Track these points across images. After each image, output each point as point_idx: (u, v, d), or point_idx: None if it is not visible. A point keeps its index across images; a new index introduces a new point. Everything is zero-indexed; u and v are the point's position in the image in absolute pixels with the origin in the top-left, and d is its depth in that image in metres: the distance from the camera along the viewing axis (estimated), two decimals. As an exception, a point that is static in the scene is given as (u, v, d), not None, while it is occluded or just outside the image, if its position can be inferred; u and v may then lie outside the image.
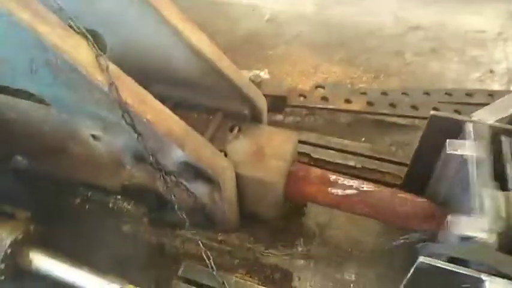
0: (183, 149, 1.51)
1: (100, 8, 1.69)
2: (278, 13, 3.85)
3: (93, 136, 1.77)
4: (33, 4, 1.30)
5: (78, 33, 1.38)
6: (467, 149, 1.53)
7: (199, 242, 1.63)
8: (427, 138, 1.78)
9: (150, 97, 1.50)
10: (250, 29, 3.64)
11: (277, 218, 2.00)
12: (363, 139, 2.50)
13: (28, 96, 1.84)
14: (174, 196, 1.73)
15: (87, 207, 2.18)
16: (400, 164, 2.23)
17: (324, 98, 2.51)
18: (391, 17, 3.76)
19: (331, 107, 2.48)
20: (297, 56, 3.33)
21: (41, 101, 1.82)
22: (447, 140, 1.59)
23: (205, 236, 1.97)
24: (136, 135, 1.50)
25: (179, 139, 1.51)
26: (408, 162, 2.15)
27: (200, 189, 1.76)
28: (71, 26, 1.38)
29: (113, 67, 1.41)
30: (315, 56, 3.31)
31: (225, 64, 1.79)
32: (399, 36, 3.55)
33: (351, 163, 2.25)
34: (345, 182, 1.75)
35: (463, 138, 1.61)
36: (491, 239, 1.24)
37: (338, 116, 2.65)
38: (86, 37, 1.38)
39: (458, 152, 1.54)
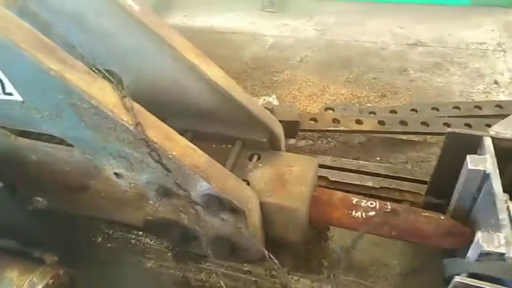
0: (208, 182, 1.53)
1: (116, 47, 1.74)
2: (280, 39, 3.95)
3: (116, 174, 1.79)
4: (60, 52, 1.35)
5: (102, 76, 1.42)
6: (489, 164, 1.54)
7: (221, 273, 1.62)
8: (446, 155, 1.79)
9: (174, 133, 1.52)
10: (254, 56, 3.71)
11: (301, 244, 1.99)
12: (378, 158, 2.51)
13: (49, 138, 1.89)
14: (200, 227, 1.75)
15: (109, 245, 2.17)
16: (418, 181, 2.23)
17: (335, 120, 2.53)
18: (391, 35, 3.85)
19: (343, 128, 2.50)
20: (303, 79, 3.39)
21: (61, 142, 1.86)
22: (467, 156, 1.60)
23: (231, 267, 1.96)
24: (165, 171, 1.52)
25: (204, 172, 1.52)
26: (426, 179, 2.16)
27: (226, 220, 1.76)
28: (92, 69, 1.42)
29: (137, 106, 1.44)
30: (320, 78, 3.37)
31: (240, 94, 1.83)
32: (401, 54, 3.62)
33: (369, 184, 2.25)
34: (368, 204, 1.75)
35: (482, 153, 1.62)
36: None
37: (350, 137, 2.67)
38: (109, 80, 1.41)
39: (480, 168, 1.55)
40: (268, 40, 3.93)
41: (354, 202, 1.76)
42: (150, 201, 1.89)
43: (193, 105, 1.87)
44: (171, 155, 1.47)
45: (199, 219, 1.76)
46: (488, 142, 1.62)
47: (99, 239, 2.21)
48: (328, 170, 2.32)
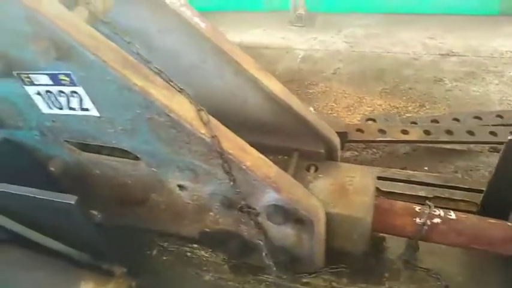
0: (278, 192, 1.55)
1: (180, 62, 1.79)
2: (311, 52, 4.00)
3: (180, 186, 1.82)
4: (142, 69, 1.40)
5: (178, 91, 1.47)
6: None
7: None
8: (505, 163, 1.79)
9: (246, 145, 1.56)
10: (287, 70, 3.77)
11: (359, 255, 1.99)
12: (426, 168, 2.51)
13: (110, 152, 1.94)
14: (262, 239, 1.76)
15: (164, 258, 2.19)
16: (471, 190, 2.22)
17: (381, 131, 2.55)
18: (422, 46, 3.87)
19: (390, 138, 2.51)
20: (338, 91, 3.42)
21: (124, 155, 1.91)
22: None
23: (290, 279, 1.96)
24: (231, 182, 1.55)
25: (275, 182, 1.54)
26: (479, 188, 2.15)
27: (288, 231, 1.77)
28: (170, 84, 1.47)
29: (212, 120, 1.48)
30: (355, 90, 3.40)
31: (298, 105, 1.86)
32: (434, 64, 3.63)
33: (422, 193, 2.24)
34: (432, 212, 1.75)
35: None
36: None
37: (395, 147, 2.68)
38: (186, 94, 1.46)
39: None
40: (299, 53, 3.99)
41: (417, 210, 1.76)
42: (211, 213, 1.92)
43: (252, 117, 1.91)
44: (244, 165, 1.49)
45: (261, 230, 1.77)
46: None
47: (154, 252, 2.23)
48: (379, 180, 2.32)
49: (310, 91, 3.47)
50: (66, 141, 1.87)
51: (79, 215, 1.70)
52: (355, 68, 3.69)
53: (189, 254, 2.19)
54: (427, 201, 1.79)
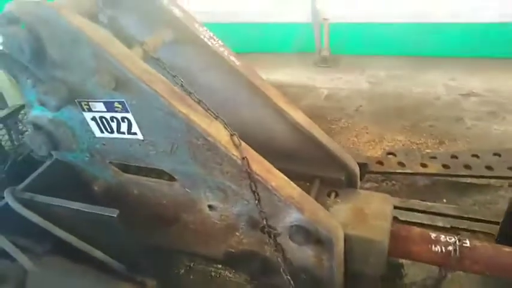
0: (302, 212, 1.69)
1: (218, 95, 2.02)
2: (335, 91, 4.22)
3: (210, 206, 1.99)
4: (186, 98, 1.63)
5: (215, 118, 1.68)
6: None
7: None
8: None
9: (272, 167, 1.73)
10: (311, 106, 3.98)
11: (378, 280, 2.06)
12: (444, 200, 2.58)
13: (147, 173, 2.14)
14: (283, 259, 1.87)
15: (191, 277, 2.32)
16: (489, 222, 2.28)
17: (401, 164, 2.67)
18: (443, 87, 4.02)
19: (409, 171, 2.62)
20: (360, 127, 3.58)
21: (160, 176, 2.11)
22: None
23: (310, 301, 2.05)
24: (257, 202, 1.70)
25: (299, 202, 1.69)
26: (497, 220, 2.21)
27: (308, 252, 1.89)
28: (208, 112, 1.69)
29: (243, 144, 1.67)
30: (377, 126, 3.55)
31: (321, 135, 2.04)
32: (455, 104, 3.76)
33: (440, 224, 2.32)
34: (447, 239, 1.83)
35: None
36: None
37: (414, 179, 2.78)
38: (222, 121, 1.67)
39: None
40: (323, 92, 4.22)
41: (433, 237, 1.85)
42: (237, 233, 2.06)
43: (278, 145, 2.09)
44: (270, 186, 1.66)
45: (283, 251, 1.89)
46: None
47: (182, 271, 2.37)
48: (398, 210, 2.42)
49: (333, 126, 3.64)
50: (110, 162, 2.10)
51: (119, 227, 1.90)
52: (377, 106, 3.86)
53: (213, 273, 2.33)
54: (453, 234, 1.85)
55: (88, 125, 1.90)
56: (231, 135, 1.67)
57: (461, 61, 4.36)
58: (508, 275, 1.76)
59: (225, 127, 1.68)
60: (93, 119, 1.85)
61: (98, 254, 1.89)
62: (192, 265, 2.39)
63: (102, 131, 1.90)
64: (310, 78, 4.52)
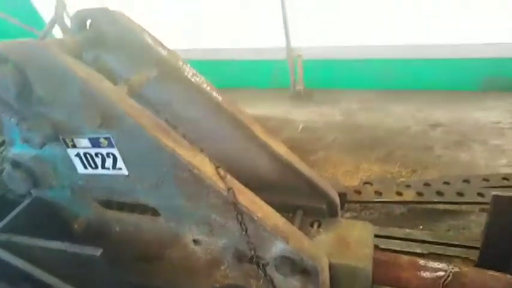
0: (287, 241, 1.72)
1: (201, 129, 2.07)
2: (310, 123, 4.36)
3: (195, 241, 1.99)
4: (171, 132, 1.67)
5: (200, 151, 1.73)
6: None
7: None
8: (494, 217, 1.97)
9: (257, 198, 1.77)
10: (288, 138, 4.08)
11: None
12: (421, 227, 2.68)
13: (131, 209, 2.13)
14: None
15: (175, 314, 2.26)
16: (465, 247, 2.37)
17: (377, 192, 2.76)
18: (412, 118, 4.24)
19: (386, 199, 2.71)
20: (337, 158, 3.69)
21: (143, 212, 2.10)
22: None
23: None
24: (244, 232, 1.73)
25: (284, 232, 1.72)
26: (472, 245, 2.31)
27: (294, 283, 1.90)
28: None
29: (228, 175, 1.71)
30: (353, 157, 3.67)
31: (302, 166, 2.11)
32: (424, 134, 3.96)
33: (418, 250, 2.40)
34: (435, 265, 1.88)
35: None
36: None
37: (391, 208, 2.87)
38: (206, 154, 1.72)
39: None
40: (299, 125, 4.35)
41: (421, 263, 1.90)
42: (222, 267, 2.05)
43: (260, 177, 2.14)
44: (256, 216, 1.69)
45: (272, 281, 1.89)
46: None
47: (165, 310, 2.30)
48: (377, 238, 2.48)
49: (311, 158, 3.74)
50: (93, 199, 2.08)
51: (103, 266, 1.86)
52: (351, 137, 4.01)
53: (199, 310, 2.26)
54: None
55: (71, 161, 1.89)
56: (216, 167, 1.71)
57: (426, 94, 4.63)
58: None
59: (209, 160, 1.72)
60: (77, 155, 1.85)
61: (79, 293, 1.83)
62: (175, 303, 2.32)
63: (85, 167, 1.89)
64: (286, 111, 4.67)
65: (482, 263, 2.09)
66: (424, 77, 4.69)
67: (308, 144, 3.94)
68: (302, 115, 4.54)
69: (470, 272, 1.83)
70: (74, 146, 1.81)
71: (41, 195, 2.15)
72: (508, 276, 1.82)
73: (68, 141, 1.81)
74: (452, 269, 1.81)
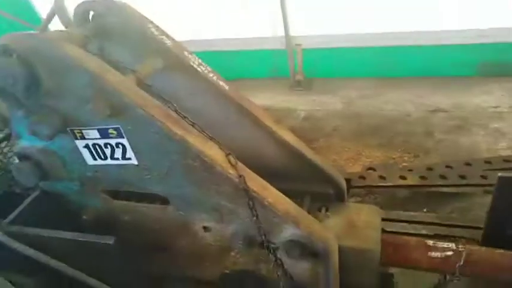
0: (297, 226, 1.74)
1: (209, 118, 2.07)
2: (311, 112, 4.38)
3: (205, 228, 2.01)
4: (181, 121, 1.69)
5: (209, 138, 1.74)
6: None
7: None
8: (499, 198, 2.00)
9: (268, 184, 1.79)
10: (290, 127, 4.05)
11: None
12: (425, 210, 2.72)
13: (139, 199, 2.14)
14: (280, 276, 1.90)
15: (186, 301, 2.30)
16: (469, 227, 2.41)
17: (381, 177, 2.79)
18: (411, 104, 4.26)
19: (390, 184, 2.74)
20: (339, 146, 3.72)
21: (152, 202, 2.12)
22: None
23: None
24: (254, 218, 1.75)
25: (295, 217, 1.75)
26: (475, 225, 2.35)
27: (304, 266, 1.93)
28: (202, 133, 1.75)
29: (239, 163, 1.73)
30: (354, 144, 3.70)
31: (310, 153, 2.13)
32: (424, 119, 3.99)
33: (424, 232, 2.43)
34: (444, 245, 1.92)
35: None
36: None
37: (394, 192, 2.91)
38: (216, 141, 1.73)
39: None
40: (301, 114, 4.37)
41: (430, 244, 1.93)
42: (232, 253, 2.08)
43: (268, 164, 2.16)
44: (267, 202, 1.71)
45: (279, 267, 1.92)
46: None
47: (176, 297, 2.34)
48: (383, 221, 2.51)
49: (313, 146, 3.76)
50: (101, 190, 2.09)
51: (115, 255, 1.88)
52: (352, 124, 4.04)
53: (207, 299, 2.30)
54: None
55: (80, 153, 1.90)
56: (227, 154, 1.73)
57: (425, 80, 4.65)
58: (503, 276, 1.86)
59: (220, 147, 1.73)
60: (86, 146, 1.86)
61: (93, 282, 1.85)
62: (184, 292, 2.36)
63: (95, 158, 1.90)
64: (287, 101, 4.68)
65: (486, 243, 2.13)
66: (422, 64, 4.71)
67: (310, 133, 3.96)
68: (303, 104, 4.55)
69: (478, 251, 1.87)
70: (83, 138, 1.82)
71: (49, 187, 2.16)
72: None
73: (76, 132, 1.81)
74: (461, 248, 1.85)
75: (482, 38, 4.42)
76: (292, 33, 4.74)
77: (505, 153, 3.35)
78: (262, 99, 4.74)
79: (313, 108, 4.46)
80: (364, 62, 4.83)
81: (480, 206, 2.62)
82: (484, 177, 2.78)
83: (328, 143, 3.78)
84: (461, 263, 1.80)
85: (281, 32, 4.72)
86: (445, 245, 1.88)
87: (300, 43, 4.77)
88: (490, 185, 2.65)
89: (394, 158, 3.44)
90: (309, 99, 4.64)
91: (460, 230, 2.42)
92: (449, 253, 1.85)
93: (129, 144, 1.77)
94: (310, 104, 4.55)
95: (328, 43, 4.77)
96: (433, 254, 1.86)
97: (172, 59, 1.98)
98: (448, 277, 1.86)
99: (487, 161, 3.05)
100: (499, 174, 1.94)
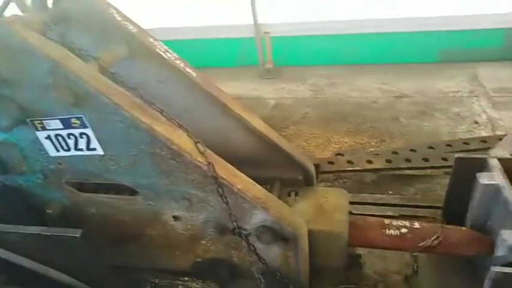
0: (267, 211, 1.76)
1: (176, 106, 2.05)
2: (281, 100, 4.40)
3: (175, 217, 2.00)
4: (148, 108, 1.65)
5: (178, 126, 1.72)
6: (500, 178, 1.85)
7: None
8: (456, 178, 2.10)
9: (236, 170, 1.80)
10: (260, 116, 4.06)
11: (338, 272, 2.19)
12: (390, 192, 2.81)
13: (107, 191, 2.10)
14: (251, 262, 1.92)
15: (158, 293, 2.29)
16: (431, 207, 2.53)
17: (349, 162, 2.86)
18: (378, 91, 4.37)
19: (357, 168, 2.82)
20: (308, 133, 3.77)
21: (120, 193, 2.08)
22: (480, 174, 1.90)
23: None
24: (224, 205, 1.76)
25: (264, 203, 1.77)
26: (437, 205, 2.46)
27: (275, 251, 1.96)
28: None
29: (207, 150, 1.72)
30: (323, 131, 3.76)
31: (279, 139, 2.15)
32: (390, 105, 4.10)
33: (389, 213, 2.53)
34: (399, 223, 2.01)
35: (490, 171, 1.94)
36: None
37: (363, 176, 2.99)
38: (185, 129, 1.71)
39: (493, 182, 1.86)
40: (270, 102, 4.38)
41: (386, 222, 2.02)
42: (203, 242, 2.09)
43: (238, 151, 2.16)
44: (236, 188, 1.72)
45: (251, 253, 1.94)
46: (494, 162, 1.95)
47: (148, 288, 2.33)
48: (351, 205, 2.58)
49: (283, 133, 3.78)
50: (66, 182, 2.03)
51: (82, 248, 1.84)
52: (321, 112, 4.09)
53: (181, 287, 2.31)
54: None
55: (41, 144, 1.83)
56: (195, 142, 1.71)
57: (391, 67, 4.77)
58: (453, 251, 1.97)
59: (188, 135, 1.72)
60: (48, 137, 1.80)
61: (63, 277, 1.81)
62: (157, 281, 2.35)
63: (57, 150, 1.84)
64: (256, 89, 4.68)
65: (446, 220, 2.23)
66: (387, 51, 4.83)
67: (280, 121, 3.99)
68: (272, 93, 4.57)
69: (431, 227, 1.97)
70: (44, 128, 1.76)
71: (10, 181, 2.08)
72: (463, 229, 1.98)
73: (37, 123, 1.75)
74: (414, 225, 1.93)
75: (445, 25, 4.58)
76: (260, 21, 4.72)
77: (464, 135, 3.50)
78: (232, 88, 4.69)
79: (282, 96, 4.48)
80: (332, 49, 4.90)
81: (442, 187, 2.75)
82: (444, 159, 2.90)
83: (297, 130, 3.82)
84: (410, 237, 1.88)
85: (249, 20, 4.69)
86: (400, 223, 1.96)
87: (269, 31, 4.76)
88: (450, 166, 2.78)
89: (361, 144, 3.52)
90: (278, 88, 4.66)
91: (423, 210, 2.53)
92: (404, 230, 1.93)
93: (94, 134, 1.72)
94: (279, 92, 4.57)
95: (297, 31, 4.79)
96: (389, 232, 1.94)
97: (137, 45, 1.94)
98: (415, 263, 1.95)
99: (448, 144, 3.18)
100: (456, 155, 2.04)
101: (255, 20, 4.71)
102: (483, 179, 1.86)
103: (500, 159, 1.92)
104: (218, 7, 4.67)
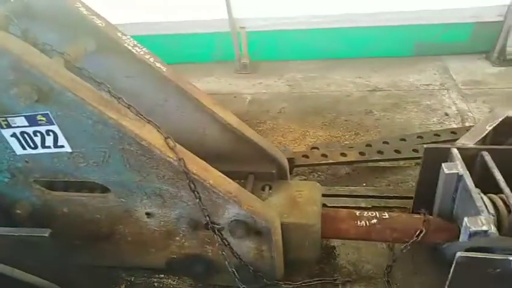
0: (240, 205, 1.77)
1: (146, 102, 2.03)
2: (257, 95, 4.41)
3: (148, 214, 1.99)
4: (115, 104, 1.63)
5: (147, 122, 1.70)
6: (460, 167, 1.92)
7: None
8: (425, 168, 2.16)
9: (208, 165, 1.79)
10: (237, 111, 4.03)
11: (313, 264, 2.23)
12: (364, 184, 2.87)
13: (78, 189, 2.07)
14: (226, 256, 1.93)
15: (133, 291, 2.27)
16: (402, 197, 2.59)
17: (324, 155, 2.90)
18: (352, 85, 4.43)
19: (331, 161, 2.86)
20: (284, 127, 3.79)
21: (92, 191, 2.05)
22: (442, 164, 1.98)
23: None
24: (197, 200, 1.76)
25: (236, 197, 1.77)
26: (409, 195, 2.52)
27: (249, 245, 1.98)
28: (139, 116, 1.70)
29: (178, 145, 1.71)
30: (299, 125, 3.79)
31: (252, 133, 2.16)
32: (364, 99, 4.16)
33: (362, 205, 2.58)
34: (369, 214, 2.06)
35: (453, 161, 2.01)
36: (493, 229, 1.59)
37: (337, 169, 3.03)
38: (155, 124, 1.70)
39: (454, 171, 1.93)
40: (247, 97, 4.38)
41: (357, 214, 2.06)
42: (177, 238, 2.08)
43: (210, 147, 2.16)
44: (208, 183, 1.72)
45: (226, 247, 1.94)
46: (455, 152, 2.03)
47: (123, 287, 2.31)
48: (325, 197, 2.62)
49: (260, 128, 3.80)
50: (35, 181, 1.98)
51: (53, 249, 1.80)
52: (297, 106, 4.12)
53: (156, 284, 2.30)
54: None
55: (7, 142, 1.78)
56: (165, 138, 1.70)
57: (364, 61, 4.84)
58: (425, 239, 2.02)
59: (158, 130, 1.70)
60: (13, 135, 1.75)
61: (31, 278, 1.77)
62: (132, 279, 2.33)
63: (24, 148, 1.80)
64: (232, 85, 4.67)
65: (416, 210, 2.29)
66: (361, 45, 4.89)
67: (256, 116, 3.99)
68: (248, 88, 4.56)
69: (399, 216, 2.04)
70: (9, 126, 1.71)
71: (-26, 182, 2.01)
72: (430, 217, 2.04)
73: (1, 121, 1.69)
74: (383, 215, 1.99)
75: (418, 19, 4.66)
76: (235, 15, 4.70)
77: (435, 127, 3.59)
78: (208, 83, 4.70)
79: (259, 91, 4.48)
80: (308, 44, 4.91)
81: (413, 178, 2.82)
82: (415, 150, 2.97)
83: (274, 125, 3.83)
84: (380, 227, 1.93)
85: (224, 15, 4.65)
86: (370, 213, 2.01)
87: (244, 26, 4.74)
88: (421, 157, 2.85)
89: (336, 137, 3.57)
90: (255, 83, 4.65)
91: (395, 201, 2.59)
92: (374, 221, 1.98)
93: (61, 131, 1.68)
94: (256, 87, 4.57)
95: (273, 26, 4.78)
96: (360, 222, 1.98)
97: (105, 40, 1.90)
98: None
99: (419, 136, 3.26)
100: (425, 146, 2.10)
101: (230, 15, 4.67)
102: (445, 168, 1.93)
103: (460, 149, 1.99)
104: (192, 1, 4.61)
